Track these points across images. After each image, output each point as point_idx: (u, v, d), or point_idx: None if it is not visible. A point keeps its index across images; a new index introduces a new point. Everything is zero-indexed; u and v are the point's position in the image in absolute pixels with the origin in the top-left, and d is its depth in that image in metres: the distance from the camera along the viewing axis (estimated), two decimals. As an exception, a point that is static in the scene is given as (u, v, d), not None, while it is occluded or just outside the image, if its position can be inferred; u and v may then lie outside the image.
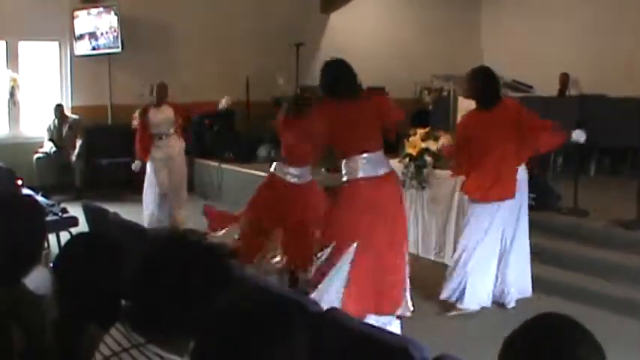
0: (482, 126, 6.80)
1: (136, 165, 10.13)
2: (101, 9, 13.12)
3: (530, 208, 7.35)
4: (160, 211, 9.88)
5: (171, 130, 9.84)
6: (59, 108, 12.70)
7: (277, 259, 7.87)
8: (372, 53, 15.89)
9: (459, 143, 7.12)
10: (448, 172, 8.67)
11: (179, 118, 9.93)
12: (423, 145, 8.78)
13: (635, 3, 14.56)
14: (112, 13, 13.05)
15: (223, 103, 12.73)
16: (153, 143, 9.77)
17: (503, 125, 6.76)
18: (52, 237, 7.47)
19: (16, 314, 2.67)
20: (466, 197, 7.25)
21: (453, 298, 7.06)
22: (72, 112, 13.04)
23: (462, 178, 7.29)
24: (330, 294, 6.11)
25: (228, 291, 2.27)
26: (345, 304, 5.94)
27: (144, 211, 9.89)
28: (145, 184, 9.95)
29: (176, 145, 9.94)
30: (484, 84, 6.98)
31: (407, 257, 6.50)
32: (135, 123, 10.11)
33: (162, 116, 9.77)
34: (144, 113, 9.76)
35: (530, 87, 10.89)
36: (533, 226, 8.12)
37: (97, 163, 12.97)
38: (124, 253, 2.89)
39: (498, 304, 7.11)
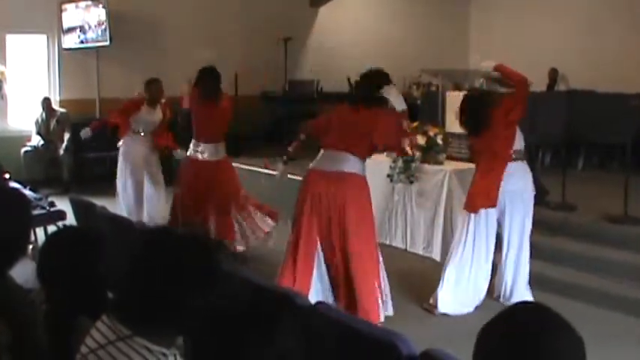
0: None
1: (85, 132, 9.92)
2: (89, 2, 13.08)
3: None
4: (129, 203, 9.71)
5: (148, 132, 9.57)
6: (46, 101, 12.67)
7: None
8: (360, 47, 15.89)
9: None
10: (436, 167, 8.69)
11: (165, 118, 9.61)
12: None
13: (625, -1, 14.63)
14: (101, 6, 13.00)
15: None
16: (131, 135, 9.56)
17: None
18: (39, 231, 7.45)
19: (2, 307, 2.66)
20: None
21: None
22: (60, 106, 13.01)
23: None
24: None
25: (218, 287, 2.27)
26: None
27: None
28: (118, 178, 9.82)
29: (150, 145, 9.62)
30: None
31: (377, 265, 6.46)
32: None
33: (153, 118, 9.54)
34: (138, 104, 9.52)
35: (519, 82, 10.90)
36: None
37: (85, 156, 12.94)
38: (106, 245, 2.89)
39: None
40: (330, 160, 6.35)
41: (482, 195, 6.82)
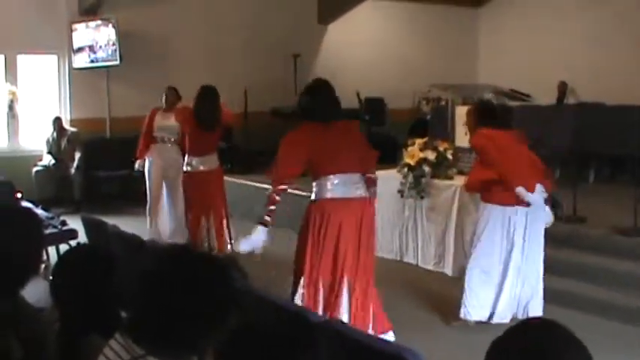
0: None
1: (138, 164, 10.01)
2: (99, 22, 13.16)
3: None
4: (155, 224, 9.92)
5: (173, 139, 9.81)
6: (57, 121, 12.72)
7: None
8: (369, 64, 15.95)
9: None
10: (446, 182, 8.68)
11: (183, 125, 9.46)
12: (422, 154, 8.80)
13: (633, 12, 14.61)
14: (111, 26, 13.08)
15: None
16: (153, 146, 9.87)
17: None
18: (52, 250, 7.48)
19: (14, 325, 2.68)
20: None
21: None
22: (70, 125, 13.06)
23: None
24: None
25: (242, 307, 2.28)
26: None
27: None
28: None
29: (172, 155, 9.81)
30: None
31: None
32: None
33: (168, 122, 9.73)
34: (151, 115, 9.87)
35: (528, 96, 10.92)
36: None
37: (96, 175, 12.98)
38: (119, 264, 2.90)
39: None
40: (345, 185, 6.00)
41: (525, 174, 6.67)
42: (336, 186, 5.97)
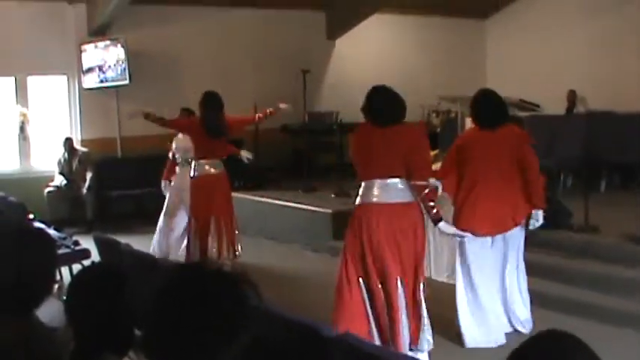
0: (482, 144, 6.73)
1: (164, 185, 10.22)
2: (108, 42, 13.23)
3: (542, 226, 7.27)
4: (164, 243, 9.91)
5: (189, 159, 9.70)
6: (68, 141, 12.78)
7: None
8: (378, 78, 15.74)
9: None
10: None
11: None
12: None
13: (640, 19, 14.61)
14: (119, 45, 13.15)
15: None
16: (175, 169, 10.05)
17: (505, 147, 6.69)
18: (65, 270, 7.50)
19: (27, 346, 2.68)
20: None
21: None
22: (81, 145, 13.13)
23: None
24: None
25: (253, 322, 2.28)
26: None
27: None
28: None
29: (187, 175, 9.55)
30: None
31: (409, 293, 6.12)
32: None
33: (181, 143, 9.88)
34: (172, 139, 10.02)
35: (537, 106, 10.90)
36: (545, 245, 8.12)
37: (108, 195, 13.03)
38: (132, 282, 2.91)
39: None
40: (385, 191, 6.00)
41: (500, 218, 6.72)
42: (376, 192, 5.98)
